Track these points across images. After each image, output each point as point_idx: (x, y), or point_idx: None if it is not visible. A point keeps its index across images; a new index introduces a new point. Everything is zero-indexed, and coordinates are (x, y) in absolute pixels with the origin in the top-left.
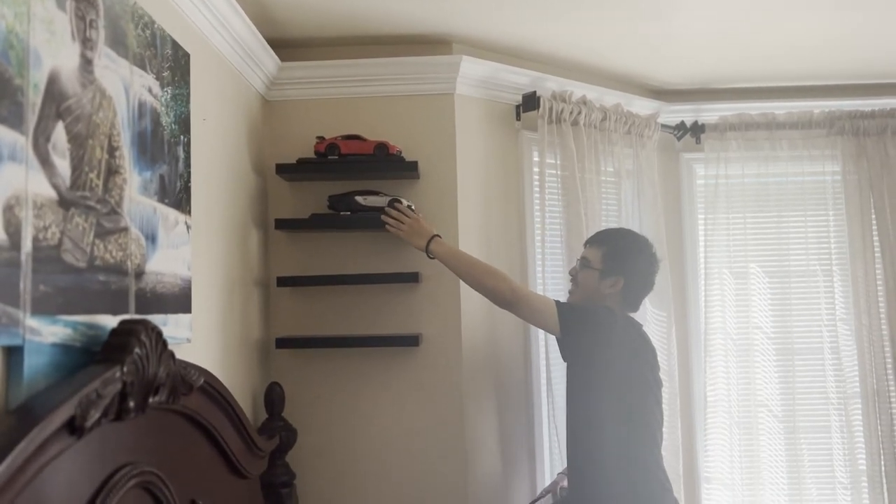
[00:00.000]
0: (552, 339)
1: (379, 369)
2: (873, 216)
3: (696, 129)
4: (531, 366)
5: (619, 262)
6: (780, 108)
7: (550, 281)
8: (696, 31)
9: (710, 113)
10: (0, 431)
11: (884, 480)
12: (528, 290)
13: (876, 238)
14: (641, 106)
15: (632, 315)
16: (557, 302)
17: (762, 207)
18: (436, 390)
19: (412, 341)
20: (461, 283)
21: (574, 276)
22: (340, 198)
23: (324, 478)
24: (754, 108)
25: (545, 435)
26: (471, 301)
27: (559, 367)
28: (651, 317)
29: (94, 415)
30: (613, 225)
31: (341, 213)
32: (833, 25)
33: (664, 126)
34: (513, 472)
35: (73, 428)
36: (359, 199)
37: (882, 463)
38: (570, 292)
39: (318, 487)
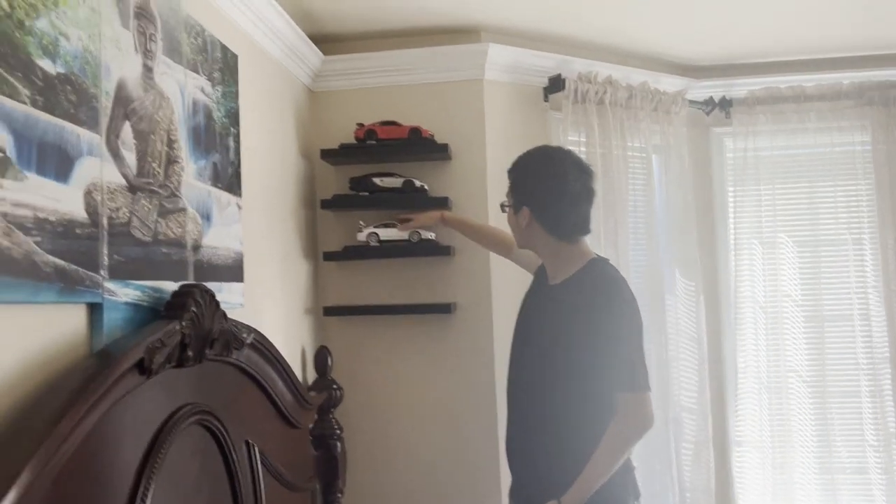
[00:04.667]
0: None
1: (416, 335)
2: None
3: (725, 104)
4: None
5: (521, 190)
6: (809, 80)
7: None
8: (722, 7)
9: (739, 88)
10: (86, 368)
11: None
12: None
13: None
14: (669, 83)
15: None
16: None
17: (791, 178)
18: (468, 354)
19: (446, 309)
20: (491, 254)
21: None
22: (360, 180)
23: (368, 431)
24: (783, 81)
25: None
26: (501, 272)
27: None
28: (680, 286)
29: (159, 359)
30: (640, 198)
31: (360, 193)
32: None
33: (693, 102)
34: None
35: (142, 369)
36: (376, 180)
37: None
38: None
39: (363, 440)
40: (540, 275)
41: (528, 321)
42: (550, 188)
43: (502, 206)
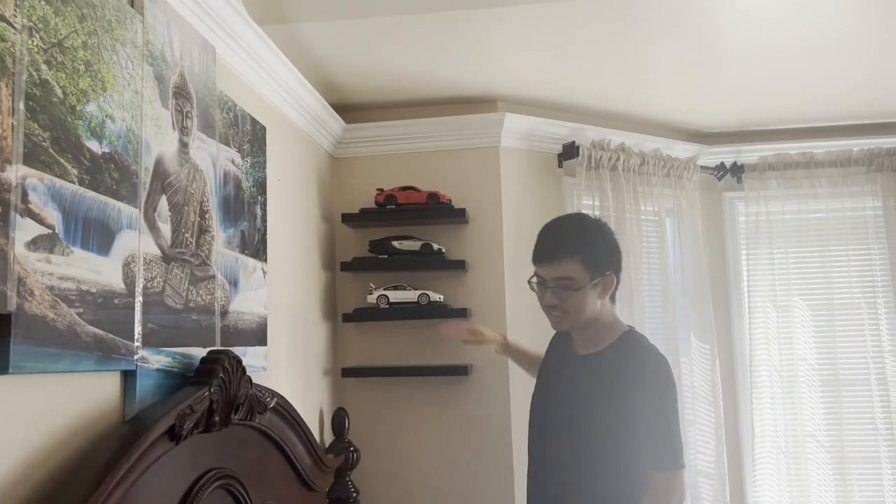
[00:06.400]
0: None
1: (433, 396)
2: None
3: (736, 170)
4: None
5: (601, 259)
6: (819, 147)
7: None
8: (732, 76)
9: (750, 154)
10: (119, 436)
11: None
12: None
13: None
14: (681, 149)
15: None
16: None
17: (804, 242)
18: (485, 416)
19: (463, 371)
20: (507, 316)
21: (559, 305)
22: (379, 243)
23: (385, 494)
24: (793, 147)
25: None
26: (517, 334)
27: None
28: (695, 349)
29: (188, 425)
30: (654, 261)
31: (379, 255)
32: (869, 67)
33: (704, 168)
34: None
35: (173, 435)
36: (395, 243)
37: None
38: (556, 321)
39: (379, 503)
40: (560, 344)
41: (556, 390)
42: (619, 251)
43: (556, 294)
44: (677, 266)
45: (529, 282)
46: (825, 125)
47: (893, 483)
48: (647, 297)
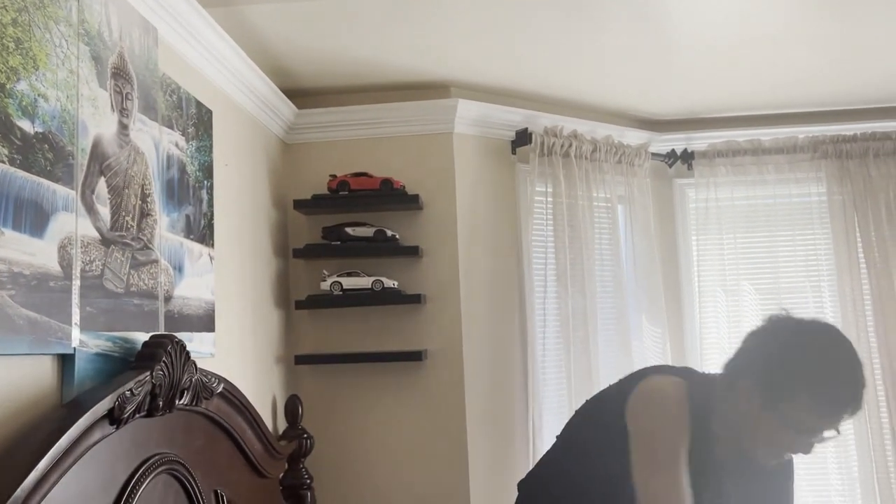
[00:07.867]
0: (550, 353)
1: (388, 383)
2: (858, 234)
3: (686, 157)
4: (528, 378)
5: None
6: (766, 134)
7: (551, 304)
8: (683, 65)
9: (700, 141)
10: (56, 418)
11: (876, 487)
12: None
13: (861, 254)
14: (633, 137)
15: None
16: None
17: (752, 228)
18: (439, 401)
19: (417, 356)
20: (462, 302)
21: None
22: (332, 229)
23: (339, 481)
24: (741, 135)
25: (544, 442)
26: (471, 319)
27: (554, 378)
28: (647, 332)
29: (129, 409)
30: (606, 247)
31: (332, 242)
32: (814, 57)
33: (655, 154)
34: (512, 474)
35: (113, 419)
36: (348, 230)
37: (874, 470)
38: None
39: (334, 489)
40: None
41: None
42: None
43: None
44: (629, 252)
45: (817, 440)
46: (772, 113)
47: (836, 461)
48: (600, 283)
